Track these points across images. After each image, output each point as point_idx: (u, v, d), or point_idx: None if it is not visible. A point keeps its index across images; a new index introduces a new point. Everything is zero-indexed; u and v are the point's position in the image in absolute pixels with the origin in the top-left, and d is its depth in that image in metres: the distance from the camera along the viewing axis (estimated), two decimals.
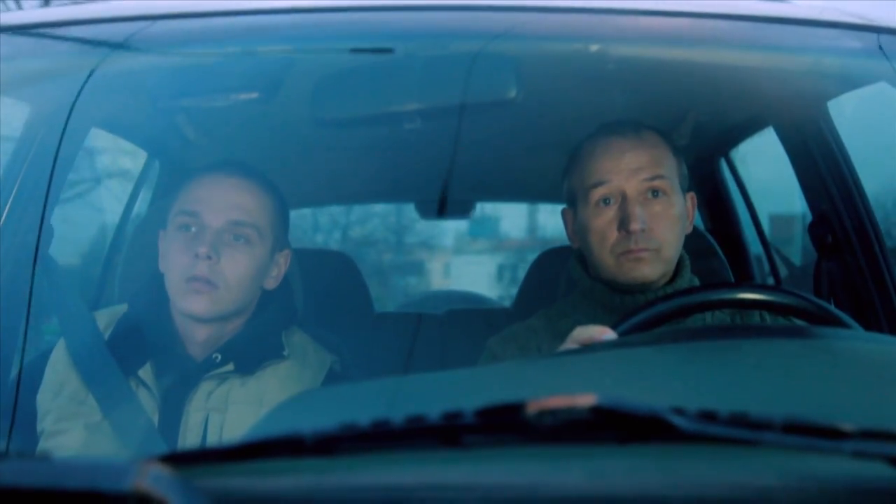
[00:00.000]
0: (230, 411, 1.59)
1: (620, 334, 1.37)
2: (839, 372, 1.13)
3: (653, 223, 1.62)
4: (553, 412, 0.75)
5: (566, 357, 1.28)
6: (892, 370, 1.14)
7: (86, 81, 1.58)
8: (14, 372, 1.66)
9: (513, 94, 1.63)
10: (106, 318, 1.68)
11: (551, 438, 0.76)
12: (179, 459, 0.76)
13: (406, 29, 1.69)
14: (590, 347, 1.31)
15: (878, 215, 2.05)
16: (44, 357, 1.66)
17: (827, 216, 2.08)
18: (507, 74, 1.65)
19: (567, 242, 1.82)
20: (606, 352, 1.28)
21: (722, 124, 2.66)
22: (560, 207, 1.80)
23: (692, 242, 1.75)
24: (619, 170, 1.64)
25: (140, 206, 2.93)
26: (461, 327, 2.63)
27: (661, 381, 1.08)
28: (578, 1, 1.73)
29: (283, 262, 1.72)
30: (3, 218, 1.80)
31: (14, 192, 1.84)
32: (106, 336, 1.65)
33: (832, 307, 1.49)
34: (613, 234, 1.63)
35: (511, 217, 9.92)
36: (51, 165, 1.78)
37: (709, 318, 1.66)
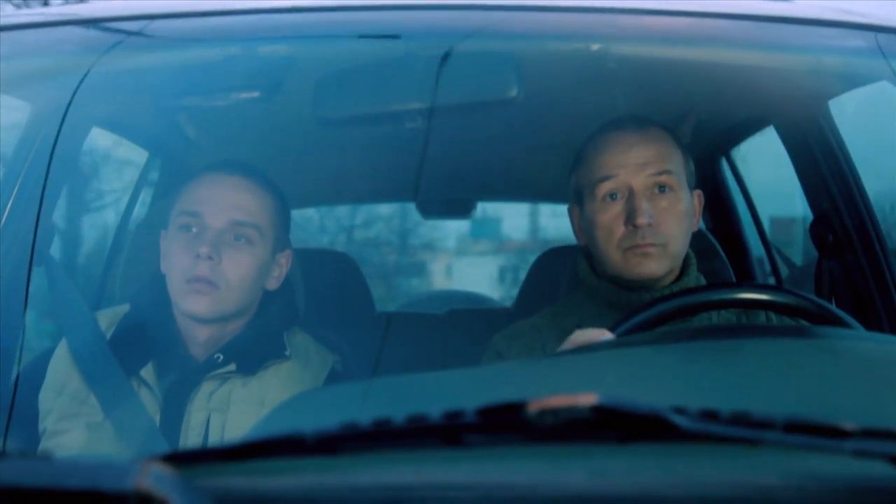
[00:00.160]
0: (232, 411, 1.59)
1: (620, 336, 1.37)
2: (840, 371, 1.13)
3: (659, 218, 1.61)
4: (554, 411, 0.75)
5: (567, 356, 1.28)
6: (892, 369, 1.14)
7: (87, 80, 1.58)
8: (15, 371, 1.66)
9: (514, 93, 1.63)
10: (108, 318, 1.68)
11: (552, 438, 0.76)
12: (181, 459, 0.76)
13: (407, 28, 1.69)
14: (591, 347, 1.31)
15: (879, 214, 2.05)
16: (46, 357, 1.66)
17: (828, 215, 2.08)
18: (509, 73, 1.64)
19: (568, 242, 1.82)
20: (607, 351, 1.28)
21: (723, 123, 2.66)
22: (561, 207, 1.80)
23: (694, 242, 1.75)
24: (626, 164, 1.63)
25: (141, 205, 2.93)
26: (462, 327, 2.63)
27: (662, 380, 1.08)
28: (579, 0, 1.73)
29: (284, 262, 1.72)
30: (4, 217, 1.80)
31: (15, 191, 1.84)
32: (108, 336, 1.65)
33: (833, 307, 1.49)
34: (620, 229, 1.62)
35: (513, 218, 9.92)
36: (52, 165, 1.78)
37: (715, 317, 1.66)
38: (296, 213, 1.85)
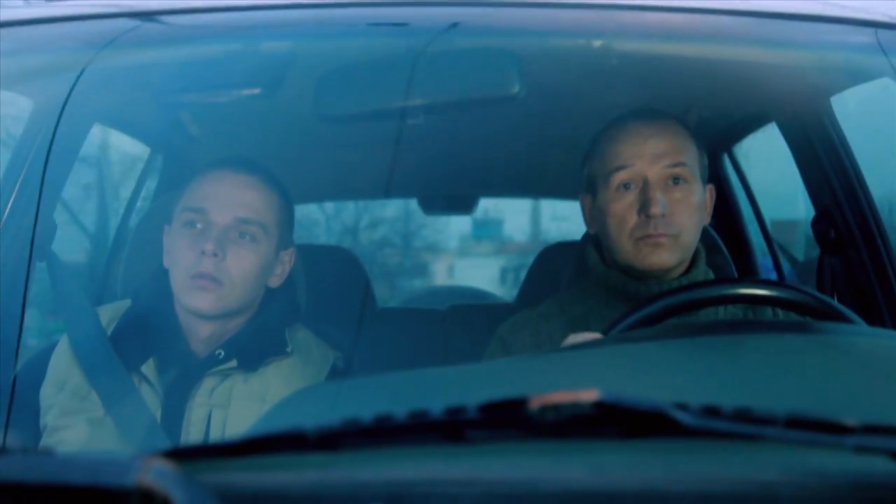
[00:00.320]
0: (233, 407, 1.59)
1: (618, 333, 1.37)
2: (842, 367, 1.13)
3: (673, 209, 1.61)
4: (556, 407, 0.75)
5: (569, 352, 1.28)
6: (894, 365, 1.14)
7: (88, 76, 1.58)
8: (17, 367, 1.66)
9: (516, 89, 1.63)
10: (109, 314, 1.68)
11: (554, 433, 0.76)
12: (182, 455, 0.76)
13: (409, 24, 1.69)
14: (592, 343, 1.31)
15: (881, 210, 2.05)
16: (47, 353, 1.66)
17: (830, 211, 2.08)
18: (511, 70, 1.64)
19: (568, 238, 1.82)
20: (609, 347, 1.28)
21: (725, 120, 2.66)
22: (562, 207, 1.81)
23: None
24: (642, 155, 1.63)
25: (143, 201, 2.93)
26: (464, 323, 2.63)
27: (663, 376, 1.08)
28: None
29: (287, 260, 1.72)
30: (6, 213, 1.80)
31: (17, 187, 1.84)
32: (109, 332, 1.65)
33: (835, 302, 1.49)
34: (633, 219, 1.62)
35: (514, 220, 9.94)
36: (54, 161, 1.78)
37: (721, 312, 1.66)
38: (298, 211, 1.85)
